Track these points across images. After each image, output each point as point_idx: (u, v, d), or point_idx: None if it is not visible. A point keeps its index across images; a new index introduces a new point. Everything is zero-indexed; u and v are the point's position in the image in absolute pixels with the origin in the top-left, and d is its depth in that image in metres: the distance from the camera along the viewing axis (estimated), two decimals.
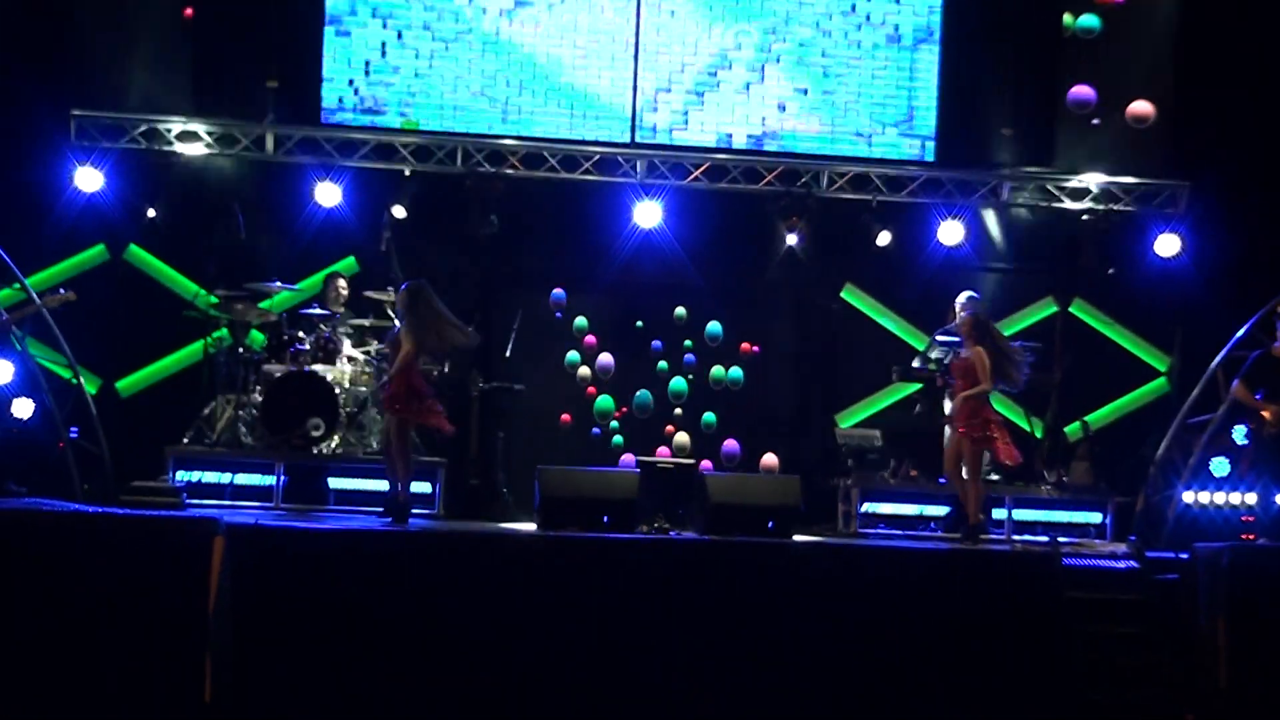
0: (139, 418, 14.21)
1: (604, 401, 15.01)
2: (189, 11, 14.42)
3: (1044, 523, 13.25)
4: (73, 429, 13.04)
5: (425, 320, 11.86)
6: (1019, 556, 11.69)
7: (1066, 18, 14.90)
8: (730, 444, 14.97)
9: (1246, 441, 13.07)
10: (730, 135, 15.16)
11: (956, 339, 13.39)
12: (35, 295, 12.86)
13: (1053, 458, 14.06)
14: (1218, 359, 13.63)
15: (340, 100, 14.76)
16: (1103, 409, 15.26)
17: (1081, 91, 14.71)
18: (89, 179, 14.09)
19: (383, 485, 12.62)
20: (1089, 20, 14.88)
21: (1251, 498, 12.84)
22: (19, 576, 9.81)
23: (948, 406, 12.81)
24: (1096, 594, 11.12)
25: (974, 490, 12.14)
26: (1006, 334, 14.69)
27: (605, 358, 15.03)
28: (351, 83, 14.79)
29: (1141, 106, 14.63)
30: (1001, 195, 15.20)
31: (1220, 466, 13.39)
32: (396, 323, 12.51)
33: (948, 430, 12.54)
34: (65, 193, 14.15)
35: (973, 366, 12.22)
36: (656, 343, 15.16)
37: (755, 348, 15.20)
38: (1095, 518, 13.34)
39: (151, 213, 14.23)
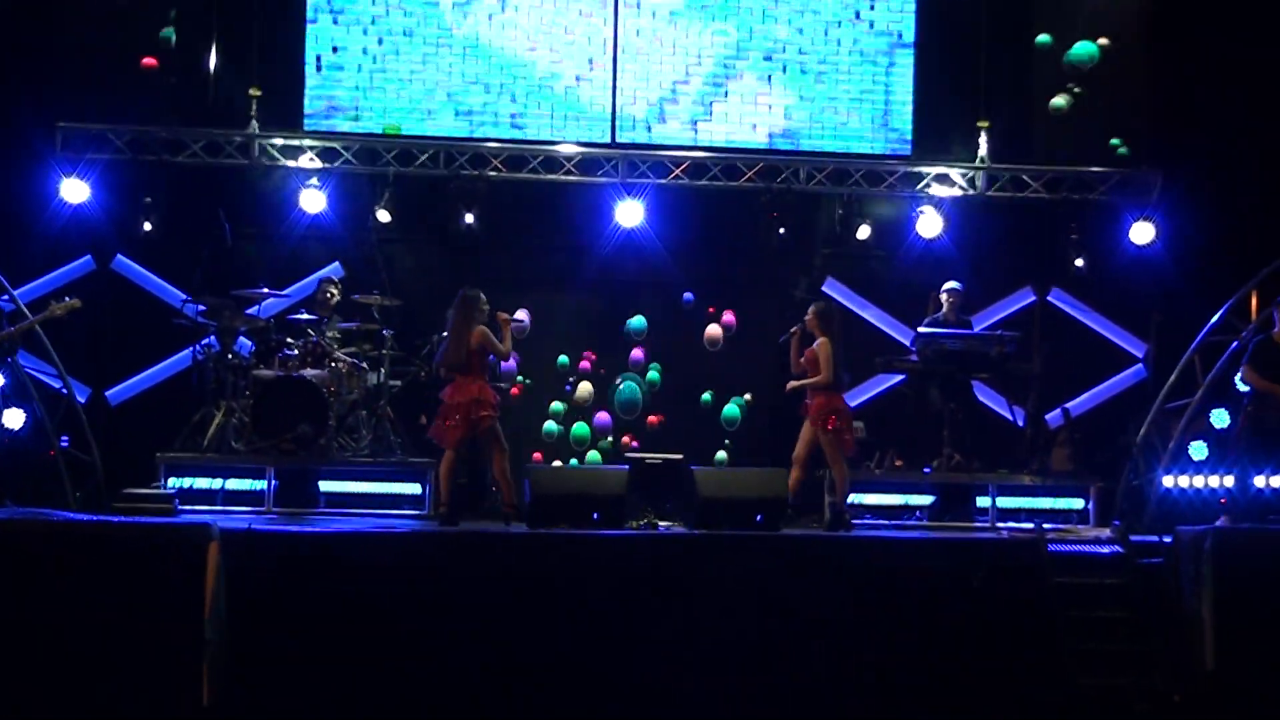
0: (129, 425, 14.15)
1: (580, 429, 15.05)
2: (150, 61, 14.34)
3: (1027, 509, 13.20)
4: (63, 438, 12.97)
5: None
6: (1005, 544, 11.66)
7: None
8: (602, 417, 15.06)
9: (1230, 425, 13.05)
10: (710, 133, 15.11)
11: (940, 330, 13.45)
12: (29, 312, 12.73)
13: (1034, 445, 14.04)
14: (1194, 344, 13.64)
15: (324, 107, 14.70)
16: (1082, 395, 15.31)
17: None
18: (75, 190, 14.03)
19: (372, 487, 12.79)
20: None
21: (1229, 480, 12.83)
22: (15, 586, 9.75)
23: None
24: (1082, 579, 11.08)
25: (839, 475, 12.25)
26: (986, 324, 14.83)
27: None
28: (333, 88, 14.74)
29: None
30: (979, 187, 15.18)
31: (1199, 450, 13.39)
32: None
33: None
34: (51, 204, 14.09)
35: (815, 359, 12.36)
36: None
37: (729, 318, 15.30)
38: (1078, 503, 13.29)
39: (147, 226, 14.18)
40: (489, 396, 11.90)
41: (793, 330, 12.71)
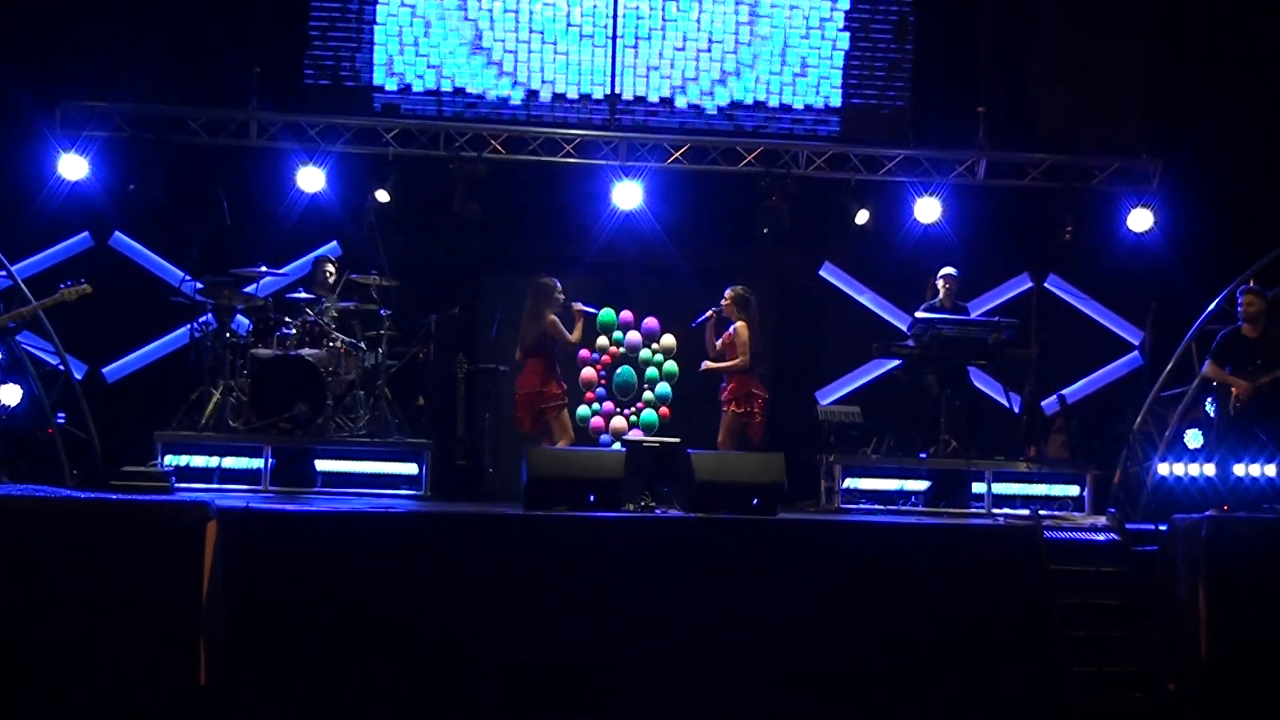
0: (126, 403, 14.13)
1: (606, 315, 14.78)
2: None
3: (1023, 496, 13.19)
4: (60, 415, 12.93)
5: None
6: (1001, 530, 11.63)
7: None
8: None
9: (1213, 415, 13.04)
10: (713, 109, 15.18)
11: (936, 315, 13.43)
12: (32, 297, 12.68)
13: (1030, 432, 14.03)
14: (1190, 331, 13.63)
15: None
16: (1078, 383, 15.32)
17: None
18: (73, 167, 13.97)
19: (369, 467, 12.80)
20: None
21: (1210, 469, 12.83)
22: (10, 563, 9.70)
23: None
24: (1077, 566, 11.07)
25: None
26: (983, 311, 14.83)
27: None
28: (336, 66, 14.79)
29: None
30: (977, 173, 15.15)
31: (1194, 438, 13.38)
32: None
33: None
34: (49, 181, 14.04)
35: (732, 343, 12.68)
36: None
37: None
38: (1073, 490, 13.26)
39: (131, 187, 14.15)
40: (551, 389, 12.42)
41: (709, 314, 12.83)
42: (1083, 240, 14.95)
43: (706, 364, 12.89)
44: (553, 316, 12.35)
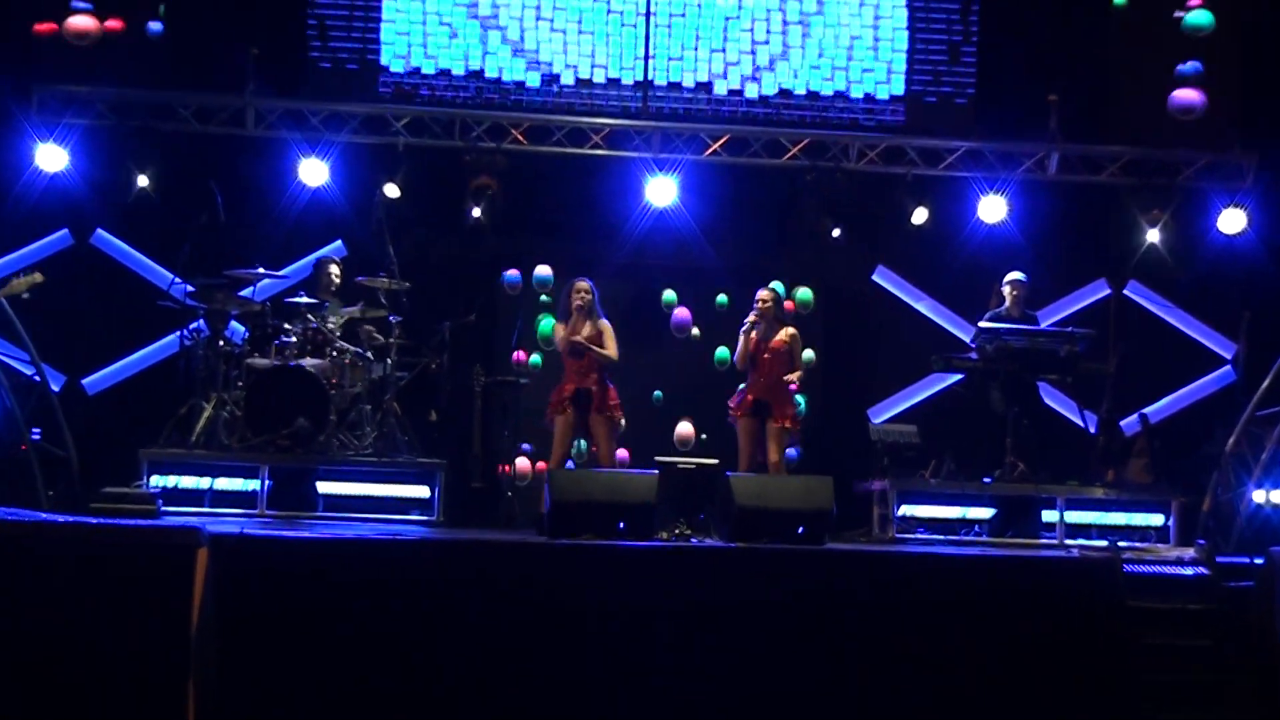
0: (108, 417, 14.14)
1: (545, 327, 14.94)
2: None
3: (1100, 525, 13.16)
4: (35, 430, 12.91)
5: None
6: (1075, 563, 11.54)
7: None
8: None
9: None
10: (755, 96, 15.21)
11: (1003, 325, 13.35)
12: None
13: (1108, 454, 13.93)
14: None
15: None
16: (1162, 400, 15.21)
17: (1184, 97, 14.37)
18: (51, 157, 14.00)
19: (376, 489, 12.81)
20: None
21: None
22: None
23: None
24: (1162, 603, 10.97)
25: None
26: (1054, 320, 14.75)
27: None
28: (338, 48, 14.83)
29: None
30: (1048, 168, 15.06)
31: None
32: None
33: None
34: (25, 173, 14.06)
35: (788, 350, 12.71)
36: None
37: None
38: (1156, 519, 13.24)
39: (144, 180, 14.12)
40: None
41: (752, 319, 12.84)
42: (1167, 243, 14.85)
43: (790, 375, 12.84)
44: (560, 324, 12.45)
